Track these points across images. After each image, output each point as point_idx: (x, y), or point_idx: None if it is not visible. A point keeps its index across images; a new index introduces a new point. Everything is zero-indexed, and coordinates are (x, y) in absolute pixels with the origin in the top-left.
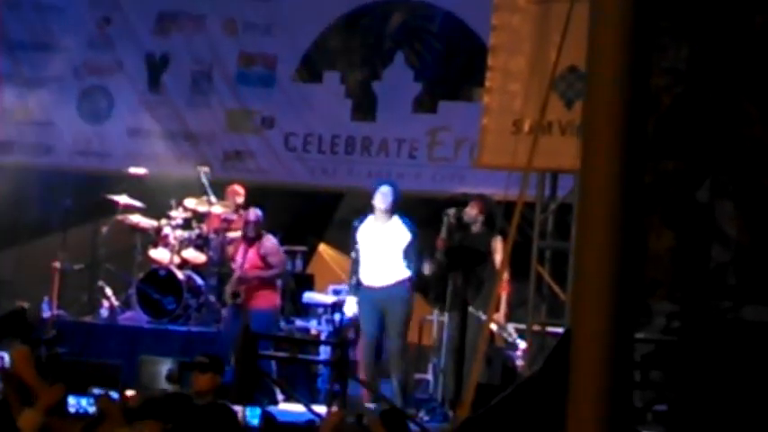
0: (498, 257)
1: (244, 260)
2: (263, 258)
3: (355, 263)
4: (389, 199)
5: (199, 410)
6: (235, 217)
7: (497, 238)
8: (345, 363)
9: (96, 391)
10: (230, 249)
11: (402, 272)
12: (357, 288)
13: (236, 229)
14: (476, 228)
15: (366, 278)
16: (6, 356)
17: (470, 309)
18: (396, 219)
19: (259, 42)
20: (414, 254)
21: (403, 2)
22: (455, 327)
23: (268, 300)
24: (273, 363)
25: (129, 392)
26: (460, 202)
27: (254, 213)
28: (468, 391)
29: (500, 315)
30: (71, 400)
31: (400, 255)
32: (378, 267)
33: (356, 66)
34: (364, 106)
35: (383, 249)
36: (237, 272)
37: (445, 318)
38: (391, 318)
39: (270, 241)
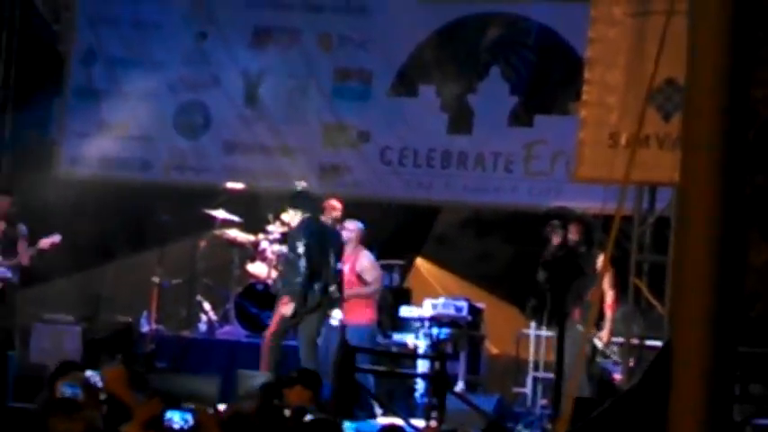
0: (606, 275)
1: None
2: (358, 276)
3: None
4: None
5: (304, 427)
6: None
7: (601, 255)
8: (443, 376)
9: (193, 405)
10: None
11: None
12: None
13: None
14: (578, 247)
15: None
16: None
17: (576, 325)
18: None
19: (354, 57)
20: None
21: (498, 15)
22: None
23: (365, 315)
24: (371, 377)
25: (221, 406)
26: (558, 215)
27: (354, 225)
28: (566, 405)
29: (605, 333)
30: (168, 415)
31: None
32: None
33: (452, 79)
34: (460, 120)
35: None
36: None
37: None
38: None
39: (366, 258)
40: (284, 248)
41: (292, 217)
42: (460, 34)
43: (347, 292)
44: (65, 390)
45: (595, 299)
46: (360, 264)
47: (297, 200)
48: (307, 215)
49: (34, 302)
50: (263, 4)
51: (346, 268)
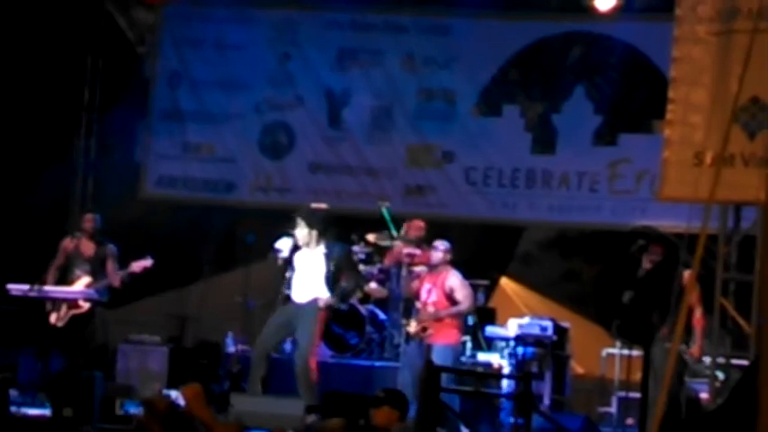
0: (692, 292)
1: (428, 296)
2: (448, 296)
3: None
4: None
5: None
6: (417, 251)
7: (686, 272)
8: (529, 396)
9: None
10: (414, 284)
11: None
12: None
13: (418, 264)
14: (664, 266)
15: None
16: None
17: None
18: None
19: (438, 77)
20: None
21: (582, 34)
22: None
23: (451, 336)
24: (457, 397)
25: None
26: (643, 234)
27: (443, 244)
28: (653, 424)
29: (695, 348)
30: None
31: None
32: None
33: (536, 99)
34: (544, 139)
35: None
36: (421, 307)
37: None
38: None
39: (455, 276)
40: (368, 268)
41: (306, 236)
42: (544, 54)
43: (440, 312)
44: (127, 409)
45: (682, 317)
46: (449, 282)
47: (313, 218)
48: (322, 234)
49: (120, 323)
50: (346, 25)
51: (435, 288)
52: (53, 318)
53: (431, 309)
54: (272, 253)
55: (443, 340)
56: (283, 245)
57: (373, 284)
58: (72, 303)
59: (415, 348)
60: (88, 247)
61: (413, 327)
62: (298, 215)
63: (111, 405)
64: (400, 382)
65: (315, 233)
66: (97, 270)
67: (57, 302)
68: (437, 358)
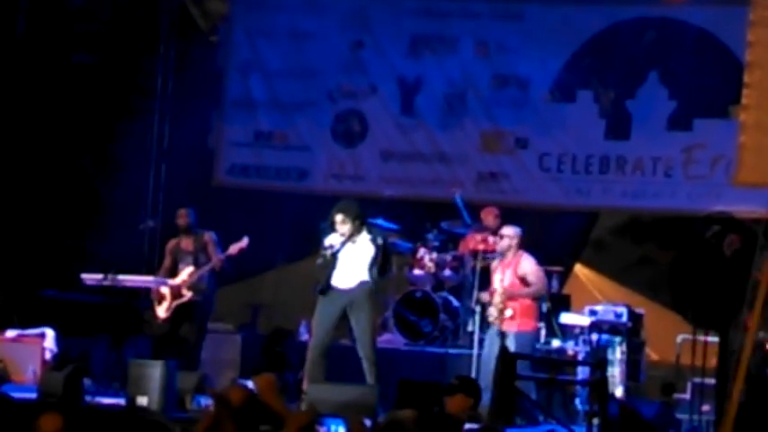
0: None
1: (501, 283)
2: (521, 279)
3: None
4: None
5: None
6: (491, 238)
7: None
8: (604, 383)
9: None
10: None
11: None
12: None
13: (492, 251)
14: (741, 252)
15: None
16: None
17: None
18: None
19: (512, 63)
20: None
21: (656, 19)
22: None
23: (528, 323)
24: (533, 384)
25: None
26: (719, 220)
27: (513, 230)
28: (729, 411)
29: None
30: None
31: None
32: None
33: (609, 85)
34: (618, 125)
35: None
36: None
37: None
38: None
39: (527, 260)
40: (442, 255)
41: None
42: (617, 39)
43: (514, 291)
44: (198, 401)
45: (759, 303)
46: (521, 267)
47: (353, 210)
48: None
49: None
50: (419, 12)
51: (508, 273)
52: (159, 311)
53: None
54: (324, 250)
55: (520, 327)
56: (334, 240)
57: (447, 271)
58: (175, 293)
59: (493, 336)
60: (187, 243)
61: (492, 315)
62: (337, 212)
63: (182, 396)
64: (482, 370)
65: (357, 223)
66: (200, 259)
67: (160, 295)
68: (514, 345)
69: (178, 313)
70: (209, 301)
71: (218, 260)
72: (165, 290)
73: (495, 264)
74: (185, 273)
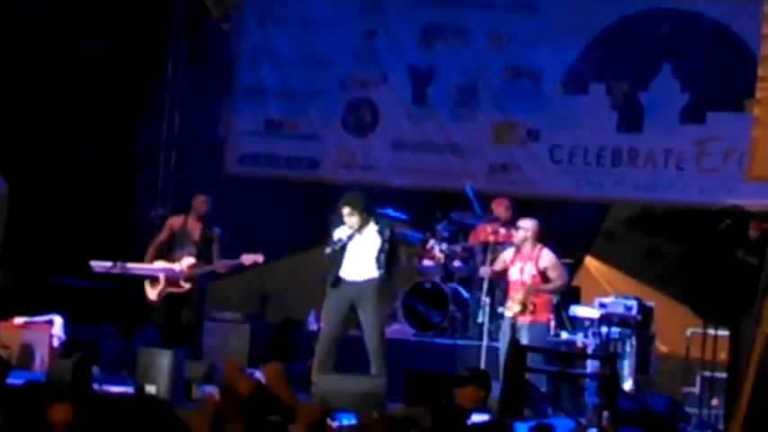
0: None
1: (521, 274)
2: (542, 273)
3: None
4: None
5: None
6: (502, 230)
7: None
8: (614, 377)
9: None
10: (497, 265)
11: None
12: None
13: (503, 242)
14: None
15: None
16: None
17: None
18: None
19: (524, 55)
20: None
21: (670, 11)
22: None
23: (542, 314)
24: (544, 376)
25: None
26: (730, 213)
27: (530, 222)
28: (740, 406)
29: None
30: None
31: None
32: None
33: (622, 77)
34: (630, 117)
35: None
36: (516, 286)
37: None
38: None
39: (548, 255)
40: (452, 246)
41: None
42: (631, 31)
43: (538, 287)
44: (203, 390)
45: None
46: (543, 261)
47: (361, 201)
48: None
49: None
50: (432, 1)
51: (528, 266)
52: (150, 292)
53: (528, 283)
54: (333, 243)
55: (534, 318)
56: (342, 233)
57: (457, 262)
58: (173, 281)
59: (506, 328)
60: (195, 228)
61: (513, 309)
62: (344, 204)
63: (189, 386)
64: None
65: (365, 215)
66: (202, 252)
67: (154, 277)
68: (527, 337)
69: (174, 301)
70: (203, 289)
71: (222, 266)
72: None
73: (509, 255)
74: (186, 262)
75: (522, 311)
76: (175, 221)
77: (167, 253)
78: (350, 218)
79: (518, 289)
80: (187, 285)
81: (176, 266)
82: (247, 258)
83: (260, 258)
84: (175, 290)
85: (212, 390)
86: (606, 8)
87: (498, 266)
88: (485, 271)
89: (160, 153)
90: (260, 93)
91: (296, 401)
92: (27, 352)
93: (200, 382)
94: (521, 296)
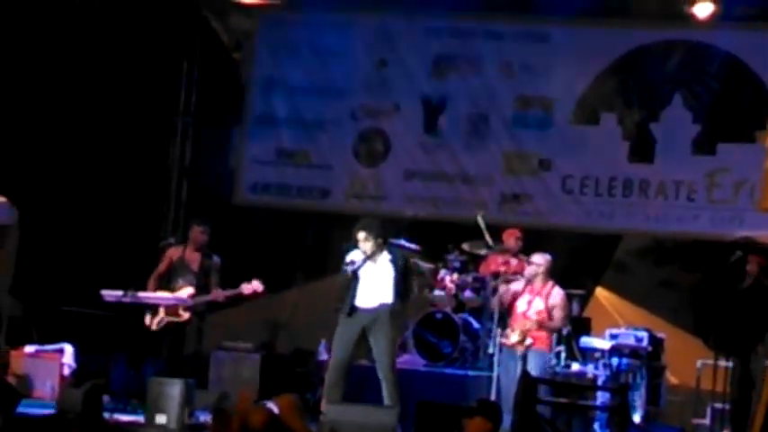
0: None
1: (529, 307)
2: (549, 310)
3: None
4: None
5: None
6: (513, 260)
7: None
8: (625, 409)
9: None
10: (506, 297)
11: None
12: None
13: (514, 273)
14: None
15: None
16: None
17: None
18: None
19: (536, 85)
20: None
21: (682, 42)
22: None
23: (545, 342)
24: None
25: None
26: (741, 245)
27: (543, 258)
28: None
29: None
30: None
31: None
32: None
33: (633, 107)
34: (642, 148)
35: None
36: (519, 318)
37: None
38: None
39: (559, 295)
40: (463, 277)
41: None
42: (642, 62)
43: (541, 323)
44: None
45: None
46: (552, 299)
47: (375, 227)
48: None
49: (213, 329)
50: (444, 32)
51: (536, 301)
52: (148, 320)
53: (533, 318)
54: (346, 266)
55: (538, 345)
56: (356, 256)
57: (468, 293)
58: (172, 311)
59: (507, 357)
60: (194, 258)
61: (511, 338)
62: (360, 229)
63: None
64: (503, 393)
65: (379, 241)
66: (201, 282)
67: (155, 307)
68: (534, 364)
69: (174, 331)
70: (202, 318)
71: (221, 296)
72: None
73: (519, 286)
74: (185, 292)
75: (521, 342)
76: (174, 252)
77: (166, 284)
78: (365, 243)
79: (520, 321)
80: (186, 315)
81: (183, 295)
82: (247, 288)
83: (259, 287)
84: (174, 319)
85: (206, 415)
86: (618, 38)
87: (507, 296)
88: (495, 302)
89: (171, 182)
90: (271, 122)
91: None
92: (37, 381)
93: (189, 410)
94: (523, 327)
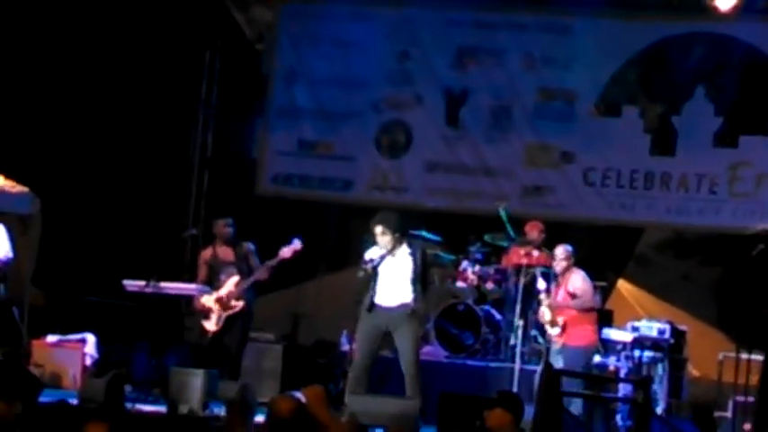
0: None
1: (556, 296)
2: (572, 296)
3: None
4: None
5: None
6: (535, 252)
7: None
8: (648, 402)
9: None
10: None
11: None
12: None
13: (536, 265)
14: None
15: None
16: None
17: None
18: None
19: (558, 77)
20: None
21: (704, 35)
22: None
23: (585, 337)
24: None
25: None
26: (764, 238)
27: (565, 251)
28: None
29: None
30: None
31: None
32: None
33: (656, 100)
34: (663, 141)
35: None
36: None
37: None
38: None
39: (578, 276)
40: (485, 268)
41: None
42: (665, 54)
43: (557, 304)
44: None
45: None
46: (572, 283)
47: (393, 222)
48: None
49: None
50: (466, 23)
51: (560, 290)
52: (207, 325)
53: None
54: (365, 264)
55: (577, 341)
56: (374, 254)
57: (490, 284)
58: (224, 304)
59: (554, 354)
60: (227, 253)
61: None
62: (377, 223)
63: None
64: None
65: (397, 235)
66: (243, 269)
67: (207, 308)
68: (569, 359)
69: (228, 322)
70: (250, 310)
71: (265, 270)
72: (210, 303)
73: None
74: (231, 283)
75: (553, 322)
76: (206, 254)
77: (211, 286)
78: (382, 237)
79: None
80: (240, 304)
81: (223, 291)
82: (286, 251)
83: (298, 245)
84: (231, 312)
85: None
86: (640, 31)
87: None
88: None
89: (193, 173)
90: (294, 113)
91: (333, 421)
92: (60, 371)
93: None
94: (546, 318)
